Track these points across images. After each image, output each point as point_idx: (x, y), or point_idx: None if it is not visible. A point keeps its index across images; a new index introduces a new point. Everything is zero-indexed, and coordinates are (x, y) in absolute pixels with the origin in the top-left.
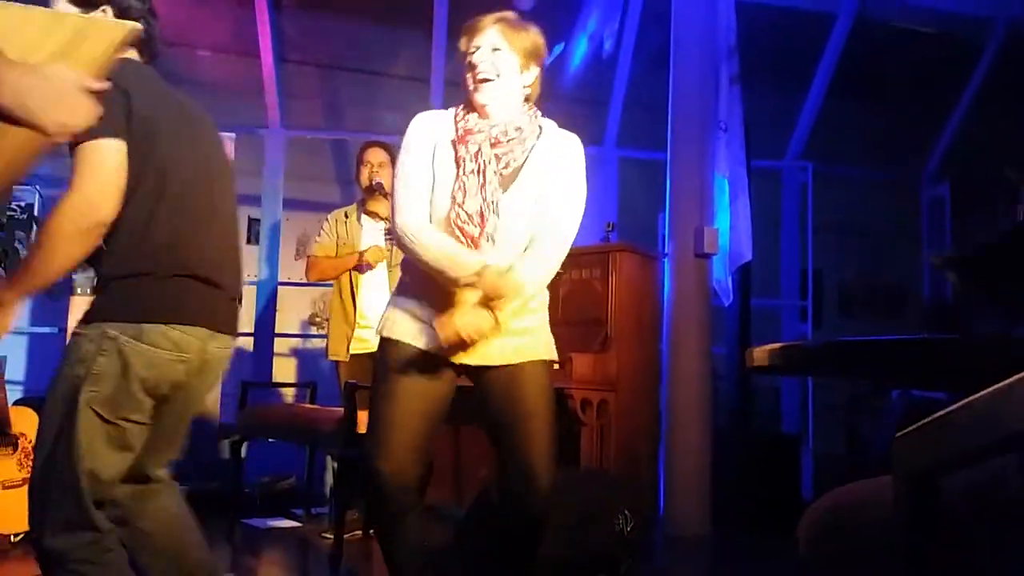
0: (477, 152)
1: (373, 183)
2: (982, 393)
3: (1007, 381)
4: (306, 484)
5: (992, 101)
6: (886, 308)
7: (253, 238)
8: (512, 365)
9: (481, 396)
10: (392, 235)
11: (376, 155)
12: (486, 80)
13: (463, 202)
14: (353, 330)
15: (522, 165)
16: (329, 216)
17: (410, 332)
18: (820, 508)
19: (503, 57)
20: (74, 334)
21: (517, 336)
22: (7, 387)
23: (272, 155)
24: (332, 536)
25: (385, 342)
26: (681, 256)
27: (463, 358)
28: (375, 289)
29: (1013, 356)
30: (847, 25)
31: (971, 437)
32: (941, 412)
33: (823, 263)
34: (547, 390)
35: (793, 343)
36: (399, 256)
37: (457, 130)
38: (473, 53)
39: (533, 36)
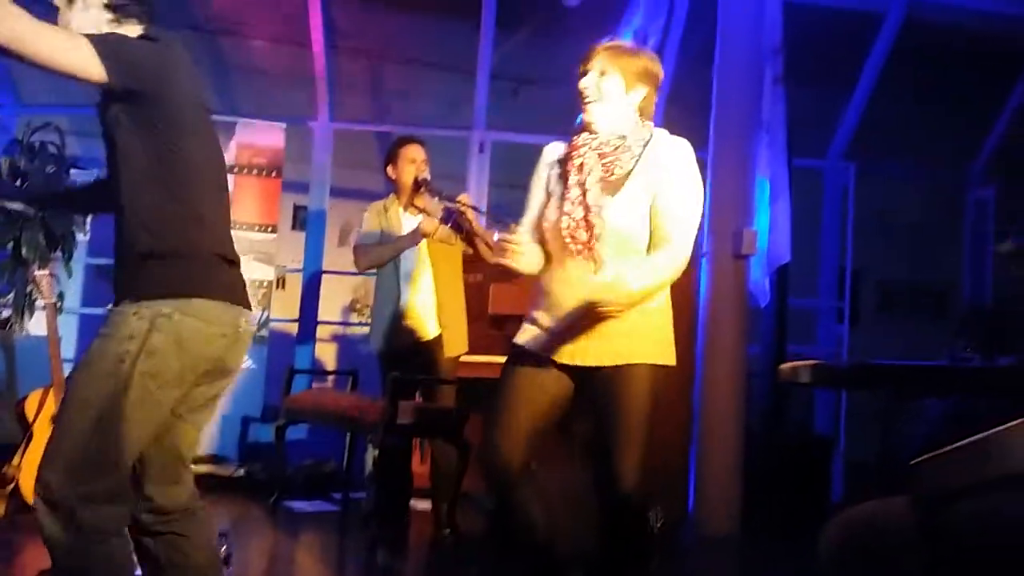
0: (581, 164)
1: (419, 179)
2: (989, 432)
3: (1010, 425)
4: (345, 469)
5: None
6: (926, 309)
7: (299, 225)
8: (613, 367)
9: (588, 398)
10: (447, 218)
11: (419, 152)
12: (591, 102)
13: (571, 211)
14: (393, 322)
15: (630, 171)
16: (368, 208)
17: (527, 336)
18: (842, 524)
19: (609, 80)
20: (118, 312)
21: (621, 338)
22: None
23: (320, 147)
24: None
25: (512, 346)
26: (719, 256)
27: (564, 359)
28: (419, 279)
29: None
30: (896, 24)
31: (978, 472)
32: (951, 447)
33: (863, 263)
34: (645, 395)
35: (822, 363)
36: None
37: (568, 150)
38: (582, 78)
39: (640, 60)
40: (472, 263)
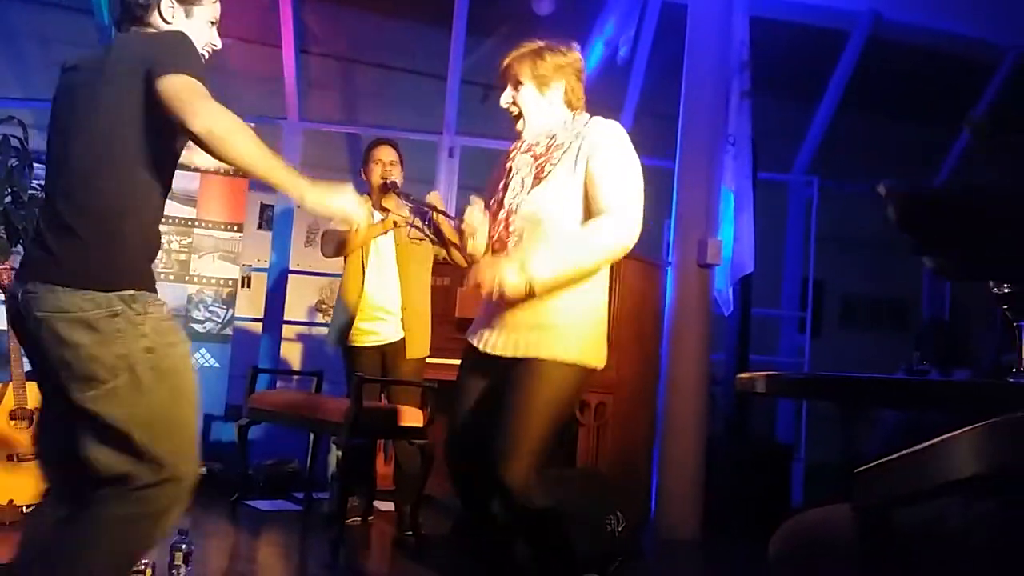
0: (510, 168)
1: (387, 182)
2: (930, 442)
3: (950, 435)
4: (308, 469)
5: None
6: (886, 321)
7: (265, 224)
8: (515, 359)
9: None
10: (418, 214)
11: (388, 153)
12: (514, 117)
13: (496, 211)
14: (353, 320)
15: (557, 165)
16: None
17: (470, 332)
18: (790, 530)
19: (523, 91)
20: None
21: (530, 330)
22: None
23: (289, 146)
24: (333, 521)
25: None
26: (684, 265)
27: (484, 348)
28: (385, 281)
29: (976, 395)
30: (860, 42)
31: (918, 480)
32: (893, 456)
33: (826, 275)
34: (543, 391)
35: (777, 373)
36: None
37: (503, 157)
38: (502, 100)
39: (546, 58)
40: (439, 266)
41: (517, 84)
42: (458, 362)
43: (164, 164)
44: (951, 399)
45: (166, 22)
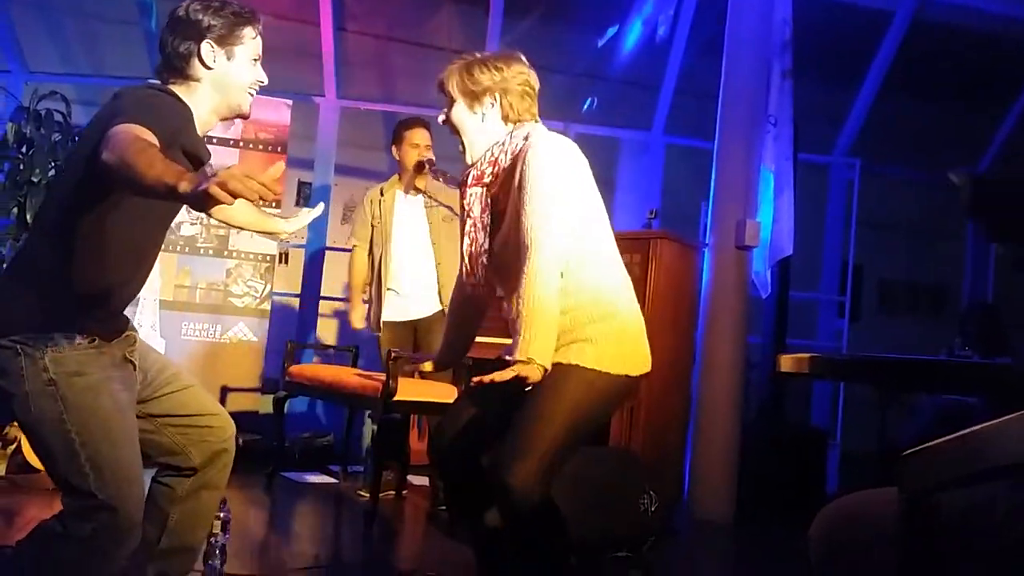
0: (469, 209)
1: (424, 159)
2: (979, 427)
3: (1000, 420)
4: (344, 442)
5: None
6: (926, 306)
7: (303, 201)
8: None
9: None
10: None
11: (423, 136)
12: (455, 135)
13: (472, 242)
14: (393, 300)
15: (509, 191)
16: (364, 199)
17: None
18: (831, 513)
19: (456, 109)
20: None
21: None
22: None
23: (326, 124)
24: (367, 494)
25: None
26: (722, 247)
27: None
28: (419, 258)
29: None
30: (904, 23)
31: (966, 465)
32: (942, 440)
33: (865, 259)
34: (562, 394)
35: (820, 355)
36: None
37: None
38: (440, 116)
39: (469, 74)
40: None
41: (451, 101)
42: (490, 339)
43: (116, 222)
44: (995, 384)
45: (208, 68)
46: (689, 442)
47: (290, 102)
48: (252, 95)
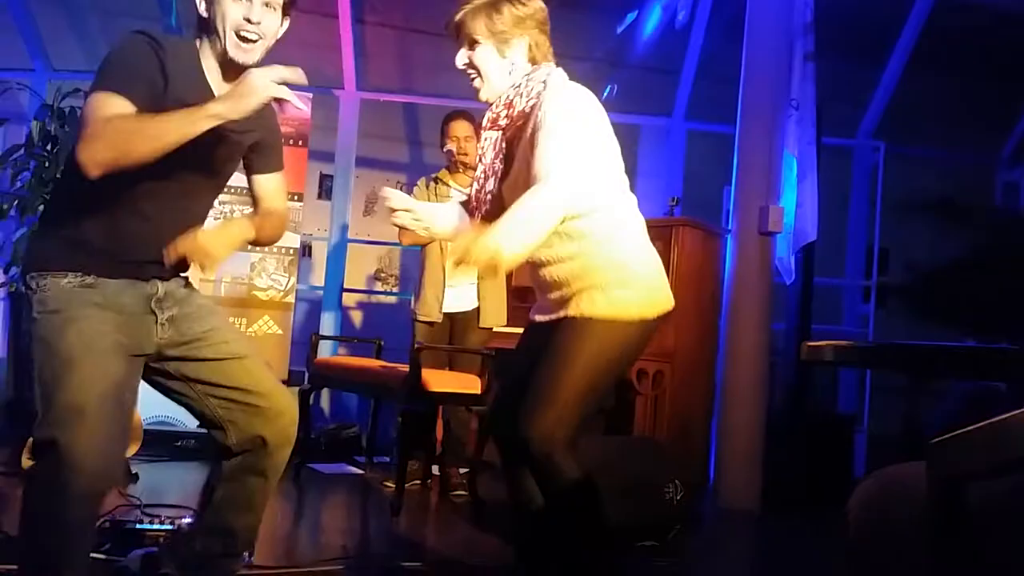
0: (480, 153)
1: (454, 158)
2: (1011, 414)
3: None
4: (369, 434)
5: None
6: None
7: (325, 194)
8: (555, 321)
9: None
10: None
11: (463, 128)
12: (472, 79)
13: (480, 188)
14: (438, 294)
15: (521, 131)
16: (419, 181)
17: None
18: (871, 485)
19: (481, 51)
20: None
21: (562, 294)
22: None
23: (346, 116)
24: (393, 485)
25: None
26: (745, 233)
27: (533, 318)
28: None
29: None
30: (929, 3)
31: (996, 453)
32: (971, 427)
33: (890, 243)
34: (571, 348)
35: (845, 342)
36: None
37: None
38: (457, 60)
39: (503, 10)
40: None
41: (473, 43)
42: (516, 330)
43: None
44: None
45: (204, 19)
46: (714, 430)
47: (310, 95)
48: (247, 38)
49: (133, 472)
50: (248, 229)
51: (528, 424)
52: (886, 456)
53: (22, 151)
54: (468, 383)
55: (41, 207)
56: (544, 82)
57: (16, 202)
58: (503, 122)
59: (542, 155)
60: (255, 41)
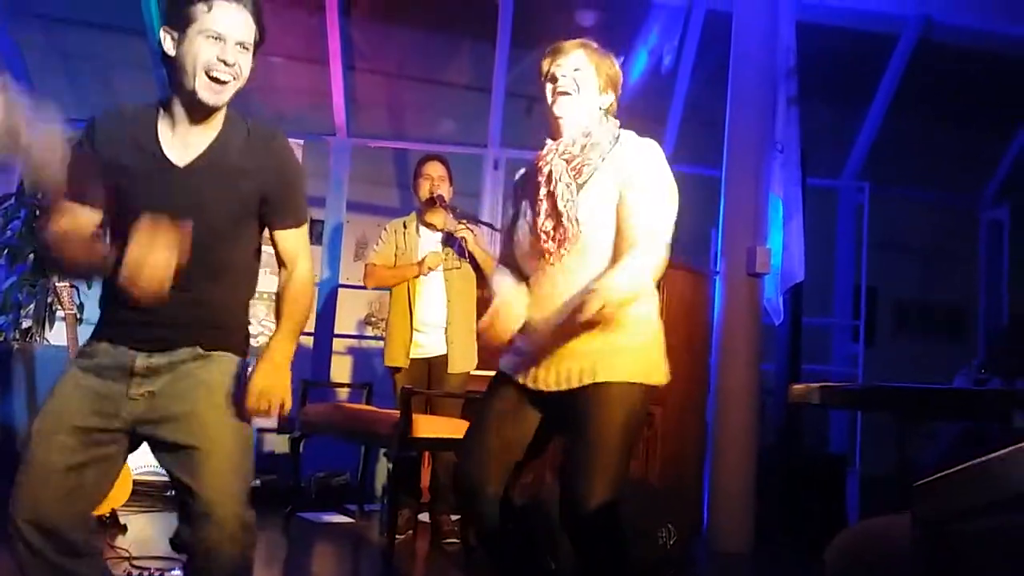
0: (549, 173)
1: (434, 195)
2: (995, 455)
3: (1016, 447)
4: (360, 481)
5: None
6: (941, 328)
7: (315, 239)
8: (582, 387)
9: (564, 418)
10: (449, 241)
11: (436, 169)
12: (565, 93)
13: (542, 224)
14: (412, 337)
15: (597, 168)
16: (387, 226)
17: (506, 360)
18: (847, 538)
19: (584, 76)
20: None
21: (581, 359)
22: None
23: (338, 163)
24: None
25: (497, 369)
26: (733, 274)
27: (530, 383)
28: (432, 296)
29: None
30: (909, 46)
31: (982, 493)
32: (955, 469)
33: (878, 282)
34: (616, 416)
35: (832, 385)
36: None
37: (536, 161)
38: (556, 70)
39: (613, 64)
40: (484, 279)
41: (577, 68)
42: (489, 373)
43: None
44: (1012, 409)
45: (170, 58)
46: (707, 472)
47: (302, 142)
48: (218, 79)
49: (122, 523)
50: (289, 346)
51: (595, 507)
52: (878, 496)
53: (12, 199)
54: (456, 427)
55: (31, 255)
56: (617, 138)
57: (6, 251)
58: (575, 151)
59: (643, 217)
60: (226, 83)
